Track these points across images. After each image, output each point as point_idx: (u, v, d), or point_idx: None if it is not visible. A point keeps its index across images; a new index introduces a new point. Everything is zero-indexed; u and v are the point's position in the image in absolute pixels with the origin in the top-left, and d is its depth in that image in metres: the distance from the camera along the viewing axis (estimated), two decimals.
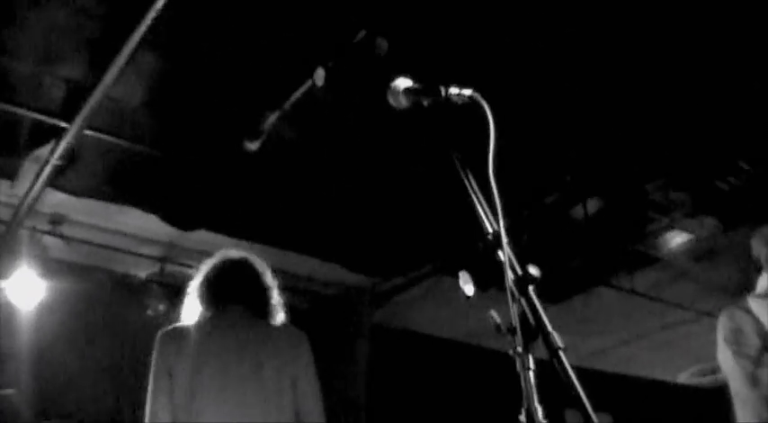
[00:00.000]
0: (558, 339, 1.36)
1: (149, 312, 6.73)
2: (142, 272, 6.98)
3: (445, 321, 7.90)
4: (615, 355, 9.23)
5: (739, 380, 3.51)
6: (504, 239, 1.49)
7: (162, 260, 6.84)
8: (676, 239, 6.86)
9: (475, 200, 1.65)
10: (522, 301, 1.39)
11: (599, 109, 5.10)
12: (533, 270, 1.41)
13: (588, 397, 1.32)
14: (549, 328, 1.36)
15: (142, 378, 3.20)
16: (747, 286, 3.90)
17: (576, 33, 4.43)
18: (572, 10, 4.29)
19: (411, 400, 7.75)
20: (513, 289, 1.41)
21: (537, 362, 1.39)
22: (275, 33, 4.36)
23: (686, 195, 6.21)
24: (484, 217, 1.62)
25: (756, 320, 3.52)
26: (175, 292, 6.67)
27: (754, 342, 3.45)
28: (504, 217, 1.59)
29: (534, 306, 1.38)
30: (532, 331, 1.36)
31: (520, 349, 1.36)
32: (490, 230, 1.58)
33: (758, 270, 3.83)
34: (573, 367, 1.35)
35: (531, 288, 1.40)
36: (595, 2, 4.26)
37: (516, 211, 5.90)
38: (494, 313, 1.40)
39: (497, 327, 1.40)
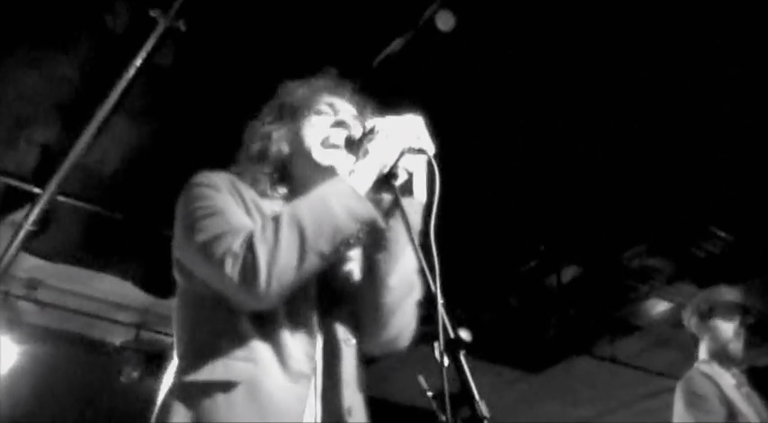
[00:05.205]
0: (484, 408, 1.32)
1: (123, 379, 6.62)
2: (117, 338, 6.89)
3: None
4: None
5: None
6: (440, 301, 1.47)
7: (137, 326, 6.76)
8: (656, 307, 6.83)
9: (421, 261, 1.62)
10: (453, 366, 1.35)
11: (575, 177, 5.12)
12: (464, 334, 1.38)
13: None
14: (477, 395, 1.33)
15: None
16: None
17: (554, 99, 4.47)
18: (550, 77, 4.34)
19: None
20: (443, 353, 1.38)
21: None
22: (251, 102, 4.39)
23: (664, 262, 6.19)
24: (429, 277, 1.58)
25: (716, 384, 3.45)
26: (150, 360, 6.63)
27: (718, 409, 3.36)
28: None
29: (463, 371, 1.35)
30: (460, 398, 1.33)
31: (445, 417, 1.32)
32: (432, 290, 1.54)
33: (696, 341, 3.82)
34: None
35: (461, 353, 1.37)
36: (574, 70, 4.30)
37: (497, 280, 5.87)
38: (421, 379, 1.38)
39: (424, 393, 1.37)
